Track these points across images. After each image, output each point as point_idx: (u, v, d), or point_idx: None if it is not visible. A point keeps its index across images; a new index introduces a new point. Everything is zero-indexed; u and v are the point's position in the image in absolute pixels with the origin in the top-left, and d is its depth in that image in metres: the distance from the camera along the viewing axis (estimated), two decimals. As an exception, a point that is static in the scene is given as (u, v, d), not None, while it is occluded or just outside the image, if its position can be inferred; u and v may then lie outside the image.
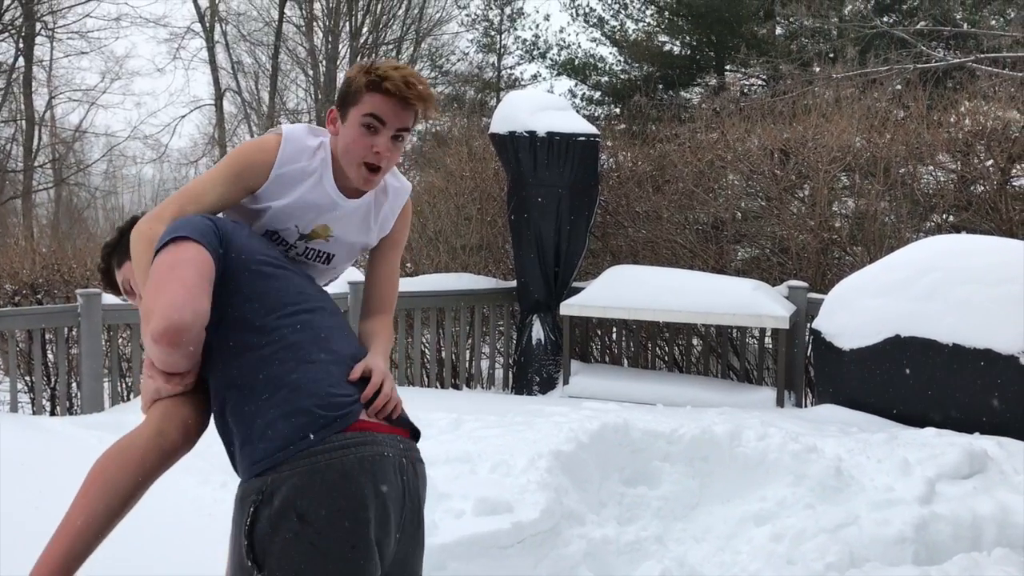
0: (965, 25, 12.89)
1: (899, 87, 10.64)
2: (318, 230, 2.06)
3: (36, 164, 21.56)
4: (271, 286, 1.83)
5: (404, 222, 2.23)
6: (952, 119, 7.57)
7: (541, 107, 7.30)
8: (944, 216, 7.49)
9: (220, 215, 1.97)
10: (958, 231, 7.00)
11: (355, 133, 1.95)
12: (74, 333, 6.16)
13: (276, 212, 2.01)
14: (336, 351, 1.82)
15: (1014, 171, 7.06)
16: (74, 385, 6.43)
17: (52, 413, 6.32)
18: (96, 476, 1.73)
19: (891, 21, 14.60)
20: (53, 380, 6.53)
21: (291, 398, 1.68)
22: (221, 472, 3.38)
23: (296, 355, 1.74)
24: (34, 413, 6.12)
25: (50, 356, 6.58)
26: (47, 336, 6.42)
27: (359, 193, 2.07)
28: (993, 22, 13.55)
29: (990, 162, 7.01)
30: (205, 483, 3.68)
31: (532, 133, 7.08)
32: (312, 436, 1.63)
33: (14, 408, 5.85)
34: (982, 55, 11.01)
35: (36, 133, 21.58)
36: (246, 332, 1.75)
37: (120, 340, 6.56)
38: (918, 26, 13.58)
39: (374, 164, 1.97)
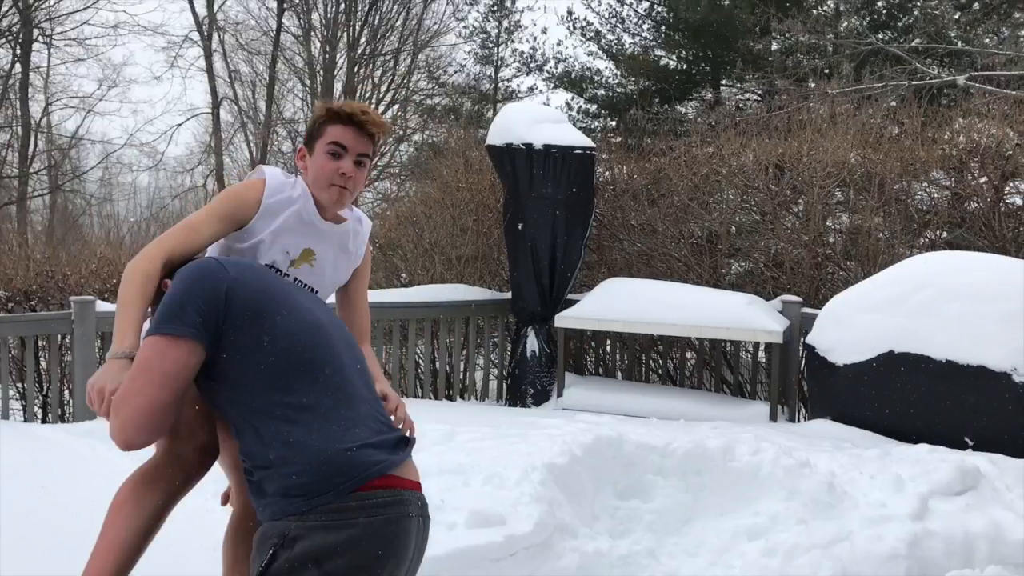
0: (959, 43, 12.97)
1: (894, 103, 10.70)
2: (304, 254, 2.25)
3: (31, 170, 21.53)
4: (289, 326, 1.86)
5: (368, 253, 2.49)
6: (946, 136, 7.61)
7: (538, 120, 7.33)
8: (938, 232, 7.52)
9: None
10: (952, 248, 7.03)
11: (322, 160, 2.20)
12: (67, 340, 6.14)
13: (267, 240, 2.19)
14: (365, 393, 1.90)
15: (1007, 188, 7.10)
16: (66, 392, 6.41)
17: (44, 420, 6.29)
18: (126, 498, 1.91)
19: (886, 38, 14.69)
20: (45, 387, 6.51)
21: (325, 446, 1.73)
22: (213, 482, 3.37)
23: (329, 402, 1.80)
24: (25, 420, 6.09)
25: (43, 363, 6.56)
26: (40, 343, 6.40)
27: (335, 219, 2.31)
28: (987, 40, 13.65)
29: (984, 179, 7.04)
30: (197, 492, 3.66)
31: (529, 145, 7.10)
32: (342, 486, 1.68)
33: (5, 415, 5.83)
34: (976, 73, 11.08)
35: (32, 139, 21.55)
36: (268, 374, 1.80)
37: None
38: (913, 43, 13.66)
39: (342, 185, 2.21)
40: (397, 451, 1.83)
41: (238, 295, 1.82)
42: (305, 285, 2.28)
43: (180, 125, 26.78)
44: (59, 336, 6.10)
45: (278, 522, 1.68)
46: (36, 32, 21.15)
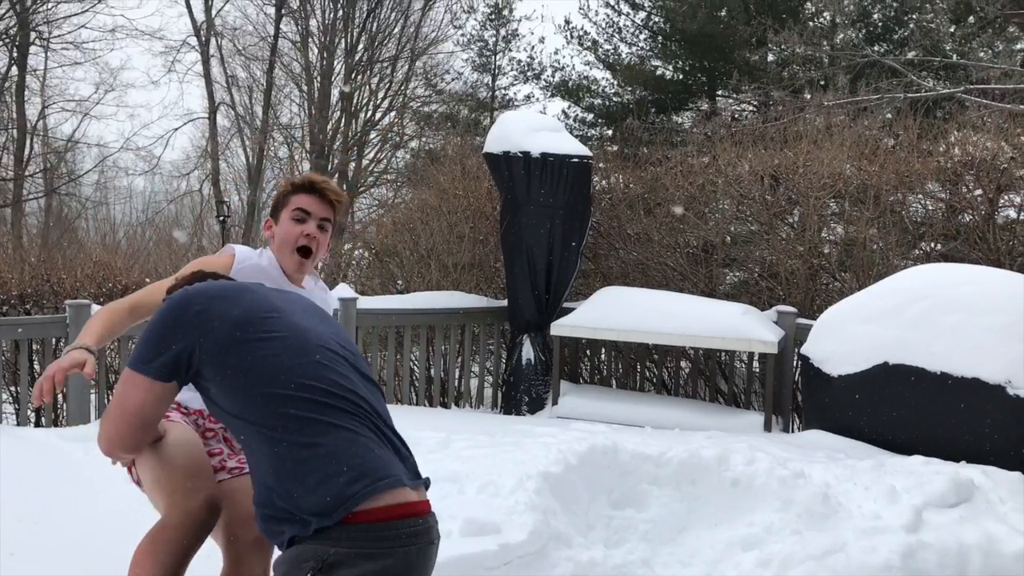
0: (955, 56, 13.04)
1: (889, 116, 10.74)
2: None
3: (27, 173, 21.49)
4: (274, 346, 1.88)
5: None
6: (941, 148, 7.64)
7: (536, 128, 7.35)
8: (932, 244, 7.54)
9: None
10: (946, 260, 7.05)
11: (288, 225, 2.43)
12: (62, 344, 6.12)
13: None
14: (376, 407, 1.91)
15: (1002, 201, 7.13)
16: (60, 397, 6.38)
17: (37, 424, 6.26)
18: (143, 556, 2.05)
19: (882, 50, 14.76)
20: (39, 391, 6.47)
21: (353, 465, 1.75)
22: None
23: (336, 418, 1.81)
24: (19, 424, 6.07)
25: (36, 367, 6.53)
26: (34, 347, 6.38)
27: (302, 286, 2.51)
28: (982, 54, 13.72)
29: (979, 192, 7.07)
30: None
31: (526, 154, 7.11)
32: (376, 512, 1.71)
33: (-1, 419, 5.81)
34: (971, 86, 11.14)
35: (28, 142, 21.52)
36: (284, 388, 1.82)
37: (108, 353, 6.52)
38: (909, 56, 13.74)
39: (306, 246, 2.42)
40: (413, 471, 1.88)
41: (216, 324, 1.86)
42: None
43: (177, 130, 26.74)
44: (54, 340, 6.08)
45: (313, 545, 1.70)
46: (33, 35, 21.15)
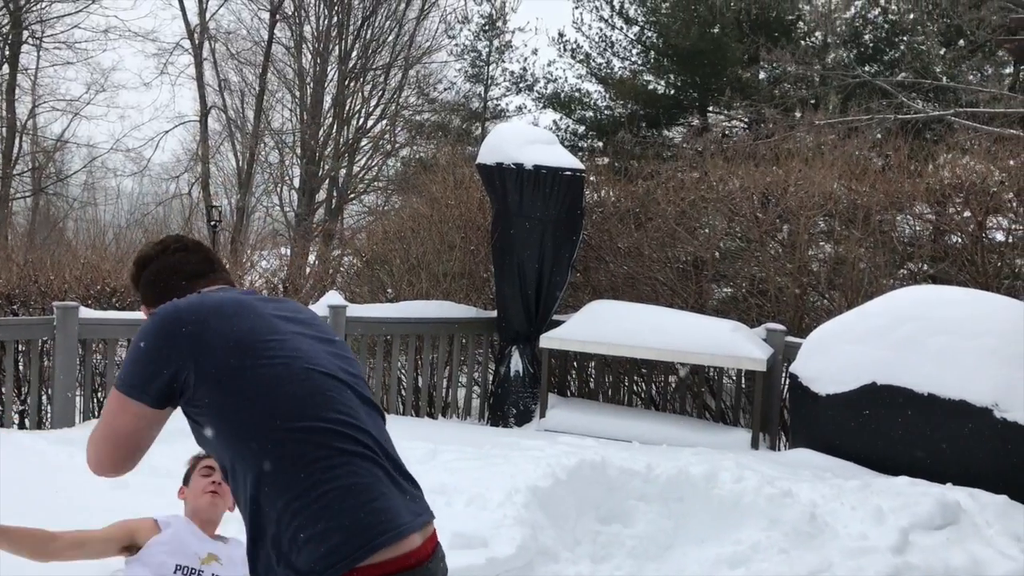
0: (945, 79, 13.16)
1: (879, 136, 10.83)
2: (208, 556, 2.64)
3: (15, 172, 21.36)
4: (271, 374, 1.75)
5: None
6: (929, 169, 7.70)
7: (529, 140, 7.36)
8: (920, 265, 7.59)
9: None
10: (935, 281, 7.10)
11: (196, 480, 2.75)
12: (47, 346, 6.07)
13: (168, 551, 2.59)
14: (377, 437, 1.81)
15: (990, 224, 7.18)
16: (44, 399, 6.33)
17: (21, 427, 6.21)
18: None
19: (873, 71, 14.87)
20: (24, 393, 6.42)
21: (355, 504, 1.67)
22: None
23: (339, 450, 1.71)
24: (2, 426, 6.01)
25: (21, 368, 6.48)
26: (19, 347, 6.32)
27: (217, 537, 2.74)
28: (971, 77, 13.85)
29: (967, 213, 7.12)
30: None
31: (519, 165, 7.12)
32: (388, 560, 1.64)
33: (-18, 420, 5.75)
34: (961, 109, 11.24)
35: (17, 141, 21.40)
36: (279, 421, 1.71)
37: (94, 356, 6.46)
38: (899, 77, 13.85)
39: (213, 491, 2.69)
40: (419, 505, 1.80)
41: (213, 346, 1.71)
42: None
43: (167, 132, 26.53)
44: (40, 341, 6.03)
45: None
46: (26, 34, 21.05)
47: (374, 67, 22.28)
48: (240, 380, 1.70)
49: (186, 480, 2.80)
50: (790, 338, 6.64)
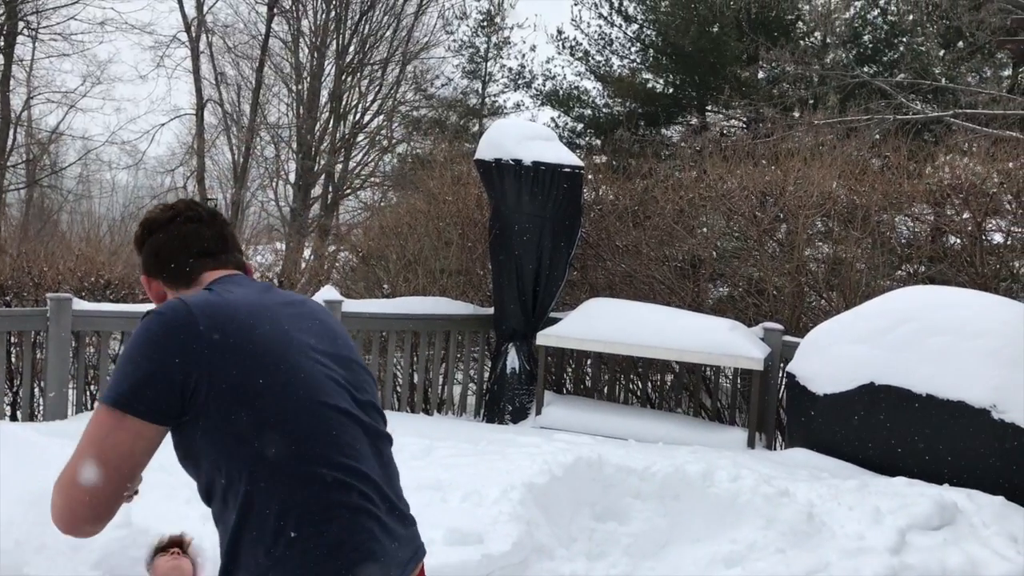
0: (944, 80, 13.15)
1: (878, 137, 10.82)
2: None
3: (8, 164, 21.26)
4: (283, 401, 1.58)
5: None
6: (928, 170, 7.68)
7: (529, 136, 7.32)
8: (918, 266, 7.58)
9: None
10: (932, 282, 7.08)
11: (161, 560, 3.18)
12: (41, 337, 6.03)
13: None
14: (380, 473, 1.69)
15: (989, 226, 7.17)
16: (37, 391, 6.29)
17: (13, 418, 6.17)
18: None
19: (872, 72, 14.87)
20: (16, 384, 6.38)
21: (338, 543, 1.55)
22: (186, 488, 3.31)
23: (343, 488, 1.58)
24: (-7, 417, 5.97)
25: (14, 359, 6.43)
26: (12, 339, 6.28)
27: None
28: (970, 79, 13.84)
29: (966, 214, 7.11)
30: (170, 498, 3.60)
31: (518, 162, 7.08)
32: None
33: (-27, 411, 5.71)
34: (959, 110, 11.23)
35: (11, 133, 21.29)
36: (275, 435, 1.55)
37: (88, 348, 6.42)
38: (898, 78, 13.84)
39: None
40: (411, 549, 1.69)
41: (228, 359, 1.52)
42: None
43: (163, 125, 26.54)
44: (33, 333, 5.99)
45: None
46: (21, 25, 20.94)
47: (371, 62, 22.20)
48: (248, 408, 1.51)
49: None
50: (787, 337, 6.62)
